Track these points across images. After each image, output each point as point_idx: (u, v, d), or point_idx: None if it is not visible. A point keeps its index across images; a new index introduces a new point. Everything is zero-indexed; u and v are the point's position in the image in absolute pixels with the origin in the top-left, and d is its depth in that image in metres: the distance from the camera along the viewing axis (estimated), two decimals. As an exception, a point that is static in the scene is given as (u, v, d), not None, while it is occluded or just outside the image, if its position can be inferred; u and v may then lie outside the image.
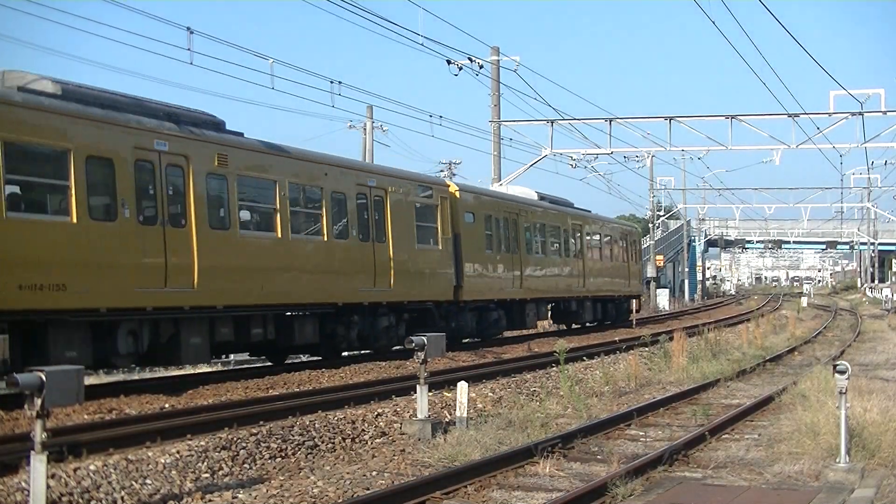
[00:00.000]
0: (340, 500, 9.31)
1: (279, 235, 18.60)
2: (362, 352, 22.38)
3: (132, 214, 15.26)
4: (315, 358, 21.43)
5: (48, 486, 8.11)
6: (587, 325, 35.78)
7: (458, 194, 25.55)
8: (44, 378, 7.66)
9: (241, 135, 18.46)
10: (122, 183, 15.16)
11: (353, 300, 20.74)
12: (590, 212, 37.46)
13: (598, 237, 37.02)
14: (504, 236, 27.96)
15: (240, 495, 9.47)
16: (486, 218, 27.04)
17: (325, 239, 19.97)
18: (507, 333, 30.06)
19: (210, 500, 9.34)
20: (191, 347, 16.60)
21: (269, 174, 18.55)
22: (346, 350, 22.04)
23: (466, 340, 26.60)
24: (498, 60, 36.29)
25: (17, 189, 13.79)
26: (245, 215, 18.18)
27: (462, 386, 13.59)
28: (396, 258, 22.07)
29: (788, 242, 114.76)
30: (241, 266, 17.50)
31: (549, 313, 33.55)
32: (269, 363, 21.44)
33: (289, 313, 19.44)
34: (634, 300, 40.65)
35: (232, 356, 26.05)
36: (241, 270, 17.48)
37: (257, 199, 18.56)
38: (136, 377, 21.20)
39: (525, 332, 31.33)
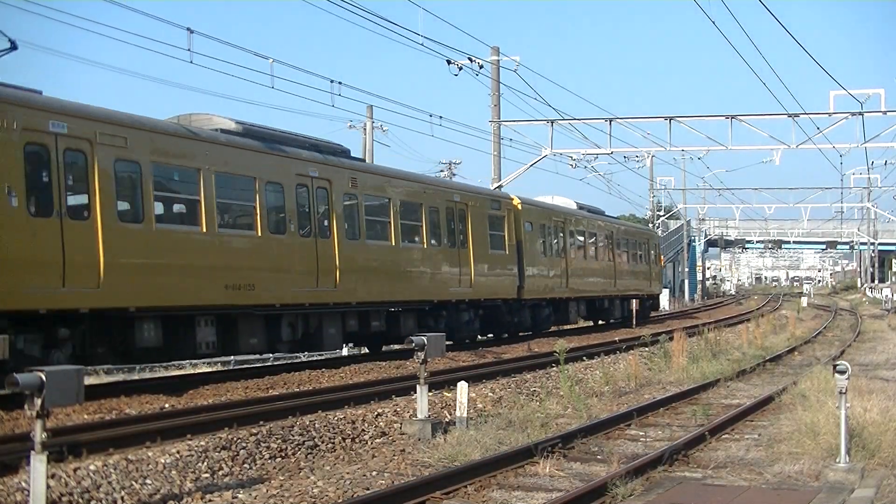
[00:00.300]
0: (340, 500, 9.31)
1: (393, 243, 22.28)
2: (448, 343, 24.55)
3: (295, 229, 18.97)
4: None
5: (48, 486, 8.11)
6: (613, 321, 39.28)
7: (519, 206, 29.15)
8: (44, 378, 7.66)
9: (363, 160, 23.10)
10: (289, 204, 18.88)
11: (444, 298, 24.38)
12: (618, 219, 42.15)
13: (625, 242, 40.63)
14: (554, 242, 32.03)
15: (240, 495, 9.47)
16: (541, 227, 30.93)
17: (424, 246, 23.68)
18: (552, 327, 33.34)
19: (210, 500, 9.34)
20: (330, 336, 20.08)
21: (386, 193, 22.31)
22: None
23: (523, 333, 30.07)
24: (498, 60, 36.28)
25: (220, 210, 17.31)
26: (369, 227, 21.54)
27: (462, 386, 13.59)
28: (476, 262, 25.79)
29: (788, 242, 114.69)
30: (368, 269, 21.08)
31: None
32: (367, 352, 23.01)
33: (392, 309, 22.60)
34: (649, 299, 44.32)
35: (232, 357, 26.21)
36: (368, 273, 21.04)
37: (378, 214, 22.01)
38: (136, 377, 21.20)
39: (567, 326, 34.99)
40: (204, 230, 16.69)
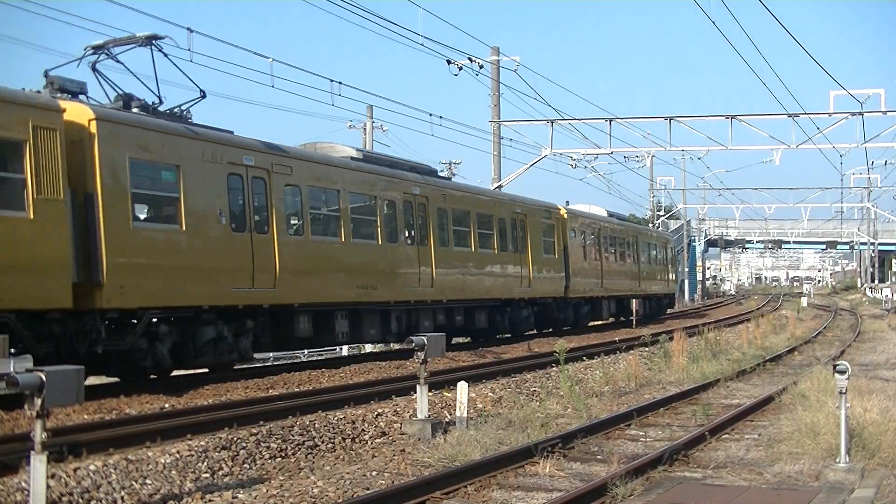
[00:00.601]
0: (340, 500, 9.31)
1: (473, 250, 26.35)
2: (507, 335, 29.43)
3: (405, 238, 23.12)
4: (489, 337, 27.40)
5: (48, 486, 8.10)
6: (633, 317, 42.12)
7: (565, 215, 33.05)
8: (44, 378, 7.66)
9: (450, 179, 28.27)
10: (399, 217, 22.92)
11: (510, 297, 28.51)
12: (642, 225, 47.12)
13: (647, 245, 44.52)
14: (592, 247, 36.05)
15: (240, 495, 9.47)
16: (582, 233, 34.98)
17: (495, 252, 27.67)
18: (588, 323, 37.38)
19: (210, 500, 9.34)
20: (425, 328, 23.25)
21: (466, 207, 26.36)
22: (499, 333, 28.97)
23: (566, 328, 33.49)
24: (498, 60, 36.28)
25: (353, 223, 21.20)
26: (455, 236, 25.69)
27: (462, 386, 13.59)
28: (533, 265, 29.89)
29: (788, 242, 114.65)
30: (455, 272, 25.28)
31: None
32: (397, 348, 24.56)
33: (468, 306, 26.29)
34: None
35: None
36: (455, 275, 25.22)
37: (461, 224, 25.99)
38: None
39: (599, 322, 38.79)
40: (343, 241, 20.68)
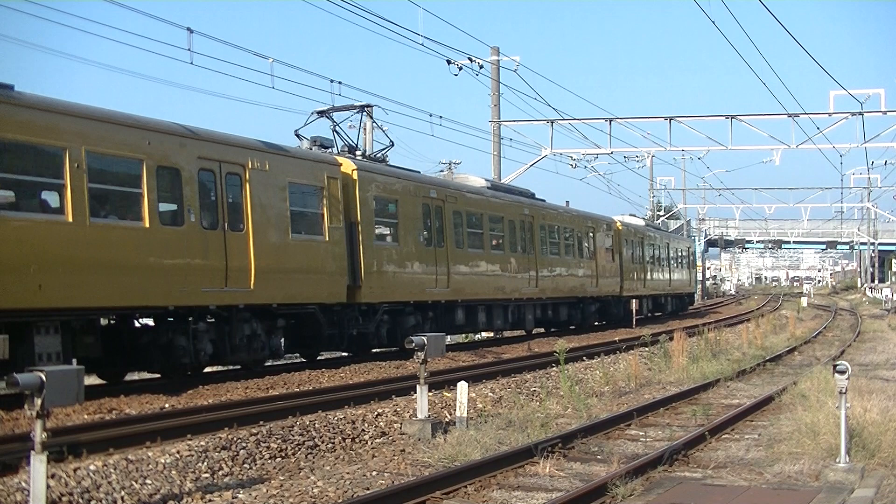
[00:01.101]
0: (340, 500, 9.31)
1: (561, 256, 33.04)
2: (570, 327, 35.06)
3: (520, 249, 29.52)
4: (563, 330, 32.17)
5: (48, 486, 8.10)
6: (662, 313, 48.49)
7: (620, 227, 39.68)
8: (44, 378, 7.66)
9: (543, 200, 33.35)
10: (517, 233, 29.41)
11: (584, 295, 34.95)
12: (673, 232, 54.72)
13: (675, 249, 51.05)
14: (639, 253, 42.34)
15: (240, 495, 9.47)
16: (630, 242, 41.09)
17: (576, 258, 34.34)
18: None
19: (210, 500, 9.34)
20: (528, 321, 30.43)
21: (557, 223, 33.10)
22: (573, 324, 35.05)
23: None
24: (498, 60, 36.29)
25: (491, 238, 27.58)
26: (550, 246, 32.10)
27: (462, 386, 13.59)
28: (599, 269, 36.28)
29: (788, 242, 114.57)
30: (550, 275, 31.78)
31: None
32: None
33: (556, 302, 32.52)
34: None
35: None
36: (550, 278, 31.73)
37: (554, 237, 32.82)
38: (135, 377, 21.19)
39: (640, 316, 42.64)
40: (485, 252, 26.91)
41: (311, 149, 21.52)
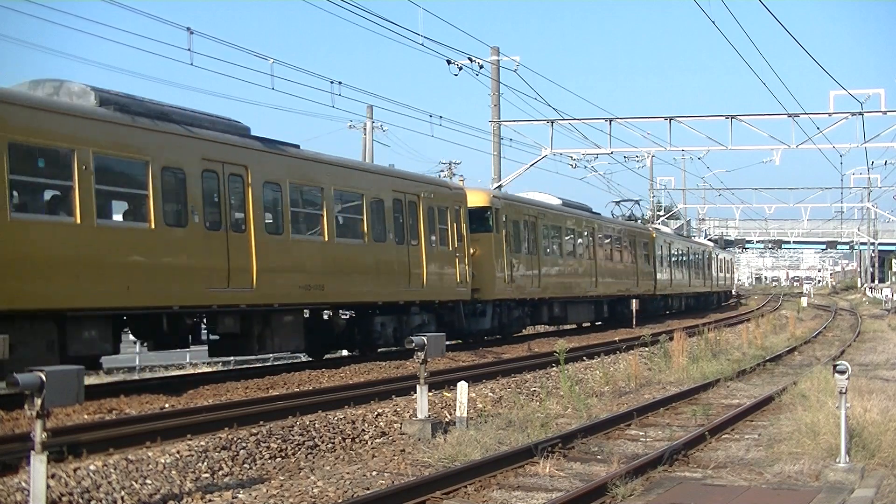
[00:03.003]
0: (340, 500, 9.31)
1: (612, 262, 39.33)
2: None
3: (588, 257, 35.65)
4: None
5: (48, 486, 8.10)
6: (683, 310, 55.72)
7: (654, 234, 46.22)
8: (44, 378, 7.65)
9: (600, 214, 40.54)
10: (584, 243, 35.67)
11: (629, 293, 40.87)
12: (705, 239, 62.16)
13: (700, 253, 59.73)
14: (671, 258, 49.52)
15: (240, 495, 9.47)
16: (660, 247, 47.47)
17: (623, 262, 40.98)
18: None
19: (210, 500, 9.34)
20: (585, 315, 36.73)
21: (611, 233, 39.47)
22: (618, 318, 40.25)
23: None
24: (498, 60, 36.26)
25: (568, 246, 34.42)
26: (607, 253, 38.54)
27: (462, 386, 13.59)
28: (639, 270, 43.15)
29: (788, 242, 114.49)
30: (607, 278, 37.98)
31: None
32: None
33: (608, 300, 38.97)
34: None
35: (232, 357, 26.35)
36: (607, 280, 37.78)
37: (608, 243, 38.76)
38: (136, 377, 21.21)
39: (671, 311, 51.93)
40: (562, 259, 33.28)
41: None
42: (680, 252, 52.80)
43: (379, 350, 22.81)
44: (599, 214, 39.22)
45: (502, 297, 27.79)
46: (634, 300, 40.01)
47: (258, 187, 17.84)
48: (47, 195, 14.69)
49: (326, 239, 19.82)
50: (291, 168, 19.06)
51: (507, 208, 28.35)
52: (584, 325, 38.54)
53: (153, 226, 15.55)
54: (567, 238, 34.27)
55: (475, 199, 26.76)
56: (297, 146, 19.77)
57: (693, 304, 58.52)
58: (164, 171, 15.88)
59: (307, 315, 20.22)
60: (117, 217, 15.74)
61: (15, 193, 13.61)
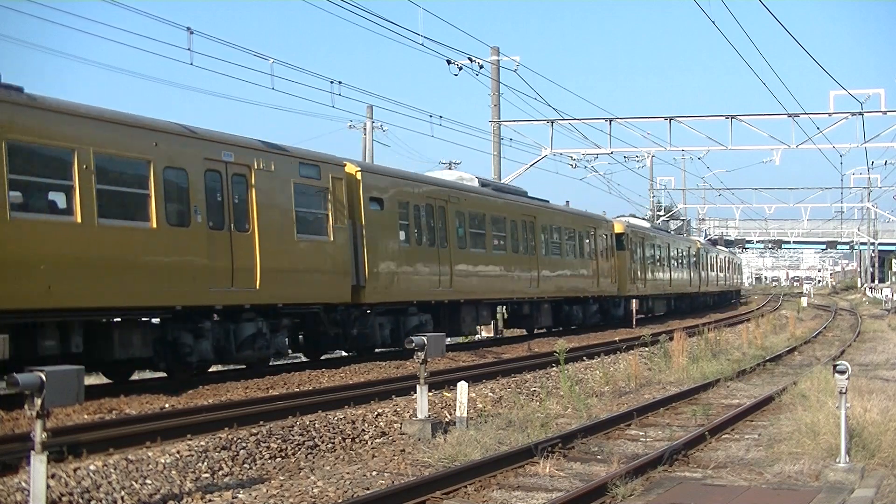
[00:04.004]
0: (340, 500, 9.31)
1: (668, 269, 48.68)
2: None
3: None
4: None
5: (48, 486, 8.10)
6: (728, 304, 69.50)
7: (699, 245, 59.04)
8: (44, 378, 7.65)
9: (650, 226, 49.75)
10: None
11: (682, 292, 51.00)
12: (723, 242, 76.24)
13: (725, 256, 70.39)
14: (711, 261, 62.92)
15: (240, 495, 9.47)
16: (697, 252, 57.52)
17: (680, 267, 50.46)
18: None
19: (210, 500, 9.34)
20: (620, 310, 39.63)
21: (661, 242, 46.84)
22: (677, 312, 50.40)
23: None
24: (498, 60, 36.27)
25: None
26: (654, 260, 45.46)
27: (462, 386, 13.59)
28: (690, 273, 53.08)
29: (788, 242, 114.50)
30: (660, 280, 46.73)
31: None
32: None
33: (667, 298, 49.82)
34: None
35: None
36: (657, 281, 46.14)
37: (658, 253, 46.18)
38: (135, 377, 21.20)
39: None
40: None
41: None
42: (713, 257, 64.04)
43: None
44: (649, 227, 47.49)
45: (631, 294, 39.66)
46: (635, 300, 40.02)
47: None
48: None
49: (553, 255, 32.23)
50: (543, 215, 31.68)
51: (632, 233, 40.91)
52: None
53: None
54: (663, 251, 47.41)
55: (617, 228, 39.37)
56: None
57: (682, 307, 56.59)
58: None
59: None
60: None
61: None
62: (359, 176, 20.94)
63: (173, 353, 16.50)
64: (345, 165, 20.67)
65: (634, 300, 39.98)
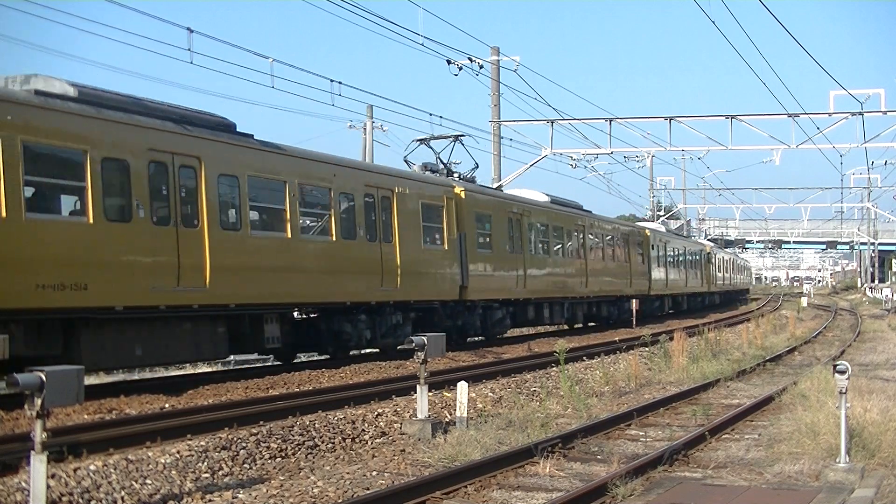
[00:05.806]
0: (340, 500, 9.31)
1: (683, 271, 52.94)
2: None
3: (614, 258, 39.19)
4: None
5: (48, 486, 8.10)
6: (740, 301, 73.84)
7: (709, 249, 61.20)
8: (44, 378, 7.65)
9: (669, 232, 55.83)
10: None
11: (692, 292, 53.84)
12: (705, 239, 78.60)
13: (738, 259, 75.67)
14: (716, 264, 64.32)
15: (240, 495, 9.47)
16: (707, 256, 59.97)
17: (689, 268, 52.70)
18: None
19: (210, 500, 9.34)
20: (655, 308, 44.93)
21: (677, 246, 51.94)
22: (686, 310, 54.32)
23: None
24: (498, 60, 36.26)
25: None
26: (672, 264, 49.84)
27: (462, 386, 13.59)
28: (703, 275, 58.03)
29: (788, 242, 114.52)
30: (676, 278, 49.44)
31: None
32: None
33: (681, 296, 54.02)
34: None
35: (232, 357, 26.34)
36: (675, 280, 49.32)
37: (674, 256, 49.97)
38: (136, 377, 21.20)
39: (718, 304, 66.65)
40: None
41: (423, 173, 25.83)
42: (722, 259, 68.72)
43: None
44: (669, 231, 54.02)
45: (653, 292, 44.33)
46: (635, 300, 40.02)
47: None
48: None
49: (597, 260, 35.93)
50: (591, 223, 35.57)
51: (656, 238, 45.47)
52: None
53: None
54: (680, 253, 51.43)
55: (645, 233, 43.67)
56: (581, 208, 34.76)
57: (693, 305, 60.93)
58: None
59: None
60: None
61: None
62: (463, 195, 25.40)
63: (336, 339, 20.85)
64: (454, 186, 25.21)
65: (635, 300, 39.97)
